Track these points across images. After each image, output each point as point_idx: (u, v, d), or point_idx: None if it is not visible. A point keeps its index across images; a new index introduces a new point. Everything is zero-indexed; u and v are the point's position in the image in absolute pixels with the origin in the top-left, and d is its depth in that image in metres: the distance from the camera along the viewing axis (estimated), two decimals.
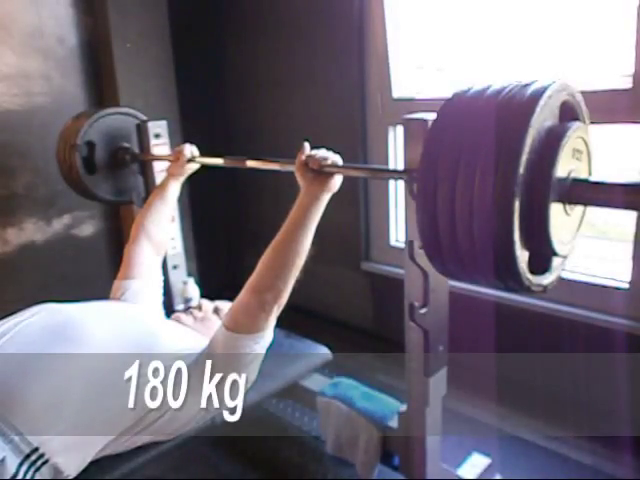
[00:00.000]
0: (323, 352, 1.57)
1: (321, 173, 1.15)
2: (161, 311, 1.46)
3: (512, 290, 0.79)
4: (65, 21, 2.24)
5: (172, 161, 1.59)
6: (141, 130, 1.88)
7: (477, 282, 0.81)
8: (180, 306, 1.81)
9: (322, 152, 1.18)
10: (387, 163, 2.20)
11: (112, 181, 1.86)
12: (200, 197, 2.62)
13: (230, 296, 1.29)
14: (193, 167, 1.60)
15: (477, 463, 1.39)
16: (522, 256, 0.72)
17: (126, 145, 1.85)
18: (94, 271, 2.42)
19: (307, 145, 1.19)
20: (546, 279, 0.83)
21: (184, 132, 2.49)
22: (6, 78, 2.11)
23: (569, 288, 1.75)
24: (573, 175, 0.77)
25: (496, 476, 1.41)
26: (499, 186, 0.67)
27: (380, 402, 1.45)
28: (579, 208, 0.83)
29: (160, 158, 1.79)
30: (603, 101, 1.55)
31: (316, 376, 1.62)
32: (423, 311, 1.07)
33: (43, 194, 2.27)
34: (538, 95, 0.70)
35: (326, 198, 1.18)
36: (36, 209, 2.27)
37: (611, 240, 2.18)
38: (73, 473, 1.04)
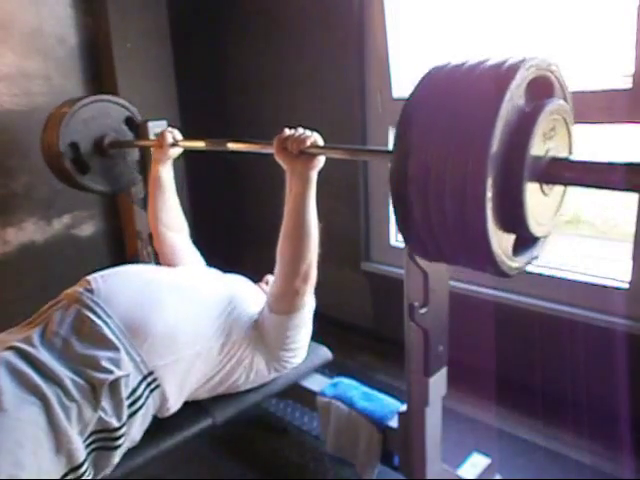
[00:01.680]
0: (323, 352, 1.57)
1: (302, 153, 1.15)
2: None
3: (488, 271, 0.77)
4: (65, 21, 2.24)
5: (155, 147, 1.61)
6: (140, 130, 1.88)
7: (456, 264, 0.79)
8: None
9: (300, 132, 1.17)
10: (387, 163, 2.19)
11: (105, 173, 1.86)
12: (200, 196, 2.62)
13: None
14: (177, 151, 1.63)
15: (477, 463, 1.39)
16: (496, 237, 0.70)
17: (108, 133, 1.83)
18: (94, 271, 2.41)
19: (286, 129, 1.19)
20: (521, 261, 0.80)
21: (184, 132, 2.49)
22: (6, 78, 2.11)
23: (569, 288, 1.75)
24: (550, 154, 0.74)
25: (496, 476, 1.41)
26: (471, 164, 0.65)
27: (380, 402, 1.45)
28: (558, 188, 0.80)
29: (144, 144, 1.79)
30: (603, 101, 1.55)
31: (316, 376, 1.62)
32: (423, 311, 1.07)
33: (43, 194, 2.27)
34: (512, 72, 0.68)
35: (313, 175, 1.18)
36: (36, 209, 2.27)
37: (611, 240, 2.18)
38: (173, 406, 1.19)
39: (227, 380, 1.27)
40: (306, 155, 1.15)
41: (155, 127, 1.89)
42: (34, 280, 2.27)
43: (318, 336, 1.58)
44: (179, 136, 1.62)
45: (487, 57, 0.73)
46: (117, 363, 1.06)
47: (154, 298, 1.20)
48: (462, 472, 1.35)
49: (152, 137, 1.84)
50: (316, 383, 1.59)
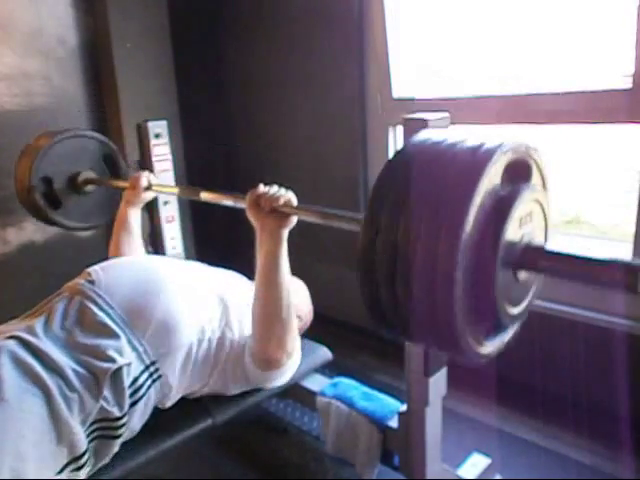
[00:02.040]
0: (323, 352, 1.57)
1: (274, 211, 1.11)
2: None
3: (456, 357, 0.75)
4: (65, 21, 2.24)
5: (128, 188, 1.58)
6: (141, 130, 1.87)
7: (423, 345, 0.77)
8: None
9: (274, 190, 1.14)
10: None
11: (78, 208, 1.79)
12: None
13: None
14: (149, 195, 1.60)
15: (477, 463, 1.39)
16: (465, 324, 0.67)
17: (83, 170, 1.77)
18: None
19: (261, 185, 1.16)
20: (490, 347, 0.77)
21: (184, 132, 2.49)
22: (6, 78, 2.11)
23: (569, 288, 1.75)
24: (525, 240, 0.72)
25: (496, 476, 1.41)
26: (442, 249, 0.62)
27: (380, 402, 1.45)
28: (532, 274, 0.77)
29: (117, 185, 1.71)
30: (603, 101, 1.55)
31: (316, 376, 1.62)
32: None
33: None
34: (488, 156, 0.65)
35: (284, 234, 1.15)
36: None
37: (611, 240, 2.18)
38: (174, 397, 1.20)
39: (221, 377, 1.26)
40: (278, 213, 1.12)
41: (155, 127, 1.89)
42: (34, 280, 2.27)
43: (318, 336, 1.58)
44: (154, 180, 1.59)
45: (465, 137, 0.70)
46: (119, 351, 1.07)
47: (154, 287, 1.20)
48: (462, 472, 1.35)
49: (152, 137, 1.84)
50: (316, 383, 1.59)
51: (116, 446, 1.08)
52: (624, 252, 1.69)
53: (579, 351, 1.67)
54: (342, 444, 1.49)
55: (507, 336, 0.80)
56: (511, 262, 0.70)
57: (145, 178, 1.56)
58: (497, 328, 0.77)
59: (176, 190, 1.52)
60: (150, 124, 1.91)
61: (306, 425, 1.80)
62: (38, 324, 1.07)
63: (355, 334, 2.41)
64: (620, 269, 0.67)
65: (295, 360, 1.28)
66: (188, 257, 2.50)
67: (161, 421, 1.19)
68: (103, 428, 1.04)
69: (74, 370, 1.01)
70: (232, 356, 1.24)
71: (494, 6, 1.81)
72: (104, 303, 1.13)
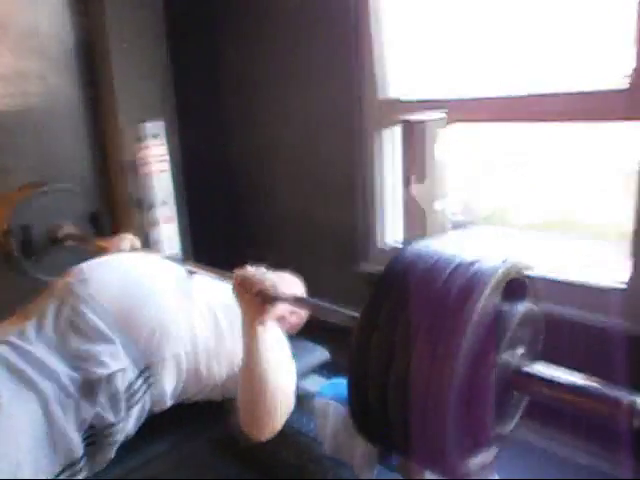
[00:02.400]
0: (320, 353, 1.57)
1: (259, 294, 1.08)
2: None
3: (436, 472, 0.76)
4: (61, 21, 2.23)
5: (112, 249, 1.51)
6: (138, 130, 1.87)
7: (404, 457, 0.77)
8: None
9: (261, 272, 1.12)
10: (384, 164, 2.20)
11: (50, 260, 1.75)
12: (199, 197, 2.61)
13: None
14: None
15: (477, 463, 1.39)
16: (454, 447, 0.67)
17: (64, 225, 1.75)
18: None
19: (248, 267, 1.13)
20: (477, 463, 0.77)
21: (181, 132, 2.48)
22: (2, 78, 2.10)
23: (567, 288, 1.75)
24: (518, 361, 0.73)
25: (496, 476, 1.41)
26: (437, 371, 0.63)
27: None
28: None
29: (99, 246, 1.63)
30: (601, 101, 1.55)
31: (314, 377, 1.62)
32: None
33: None
34: (486, 280, 0.65)
35: (259, 329, 1.11)
36: None
37: (608, 240, 2.18)
38: (169, 401, 1.18)
39: (215, 389, 1.25)
40: (261, 298, 1.08)
41: (152, 127, 1.88)
42: (34, 280, 2.26)
43: (315, 336, 1.58)
44: (138, 244, 1.57)
45: (463, 256, 0.70)
46: (114, 356, 1.06)
47: (146, 289, 1.18)
48: None
49: (150, 138, 1.83)
50: (314, 384, 1.59)
51: (112, 452, 1.07)
52: (619, 251, 1.69)
53: (577, 351, 1.67)
54: (340, 445, 1.49)
55: (490, 456, 0.80)
56: (504, 383, 0.70)
57: (128, 241, 1.52)
58: (483, 447, 0.76)
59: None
60: (147, 124, 1.90)
61: (304, 426, 1.79)
62: (30, 328, 1.05)
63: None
64: (615, 404, 0.68)
65: (276, 429, 1.22)
66: (186, 258, 2.49)
67: (160, 421, 1.19)
68: (99, 434, 1.03)
69: (69, 376, 1.00)
70: (225, 374, 1.22)
71: (492, 5, 1.81)
72: (97, 305, 1.11)
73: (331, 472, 1.59)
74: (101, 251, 1.56)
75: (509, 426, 0.79)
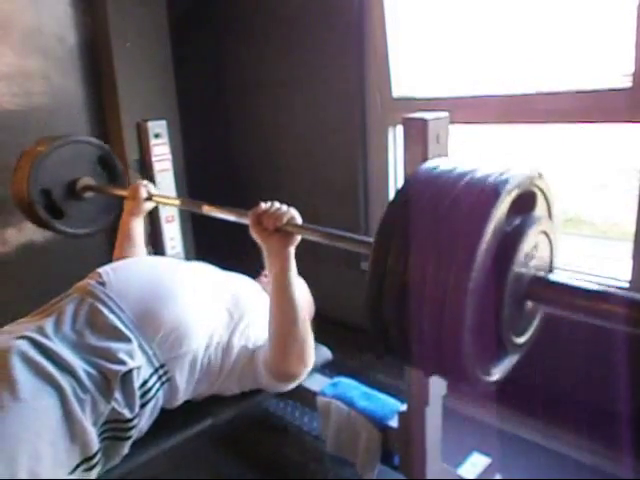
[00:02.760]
0: (323, 352, 1.57)
1: (278, 231, 1.10)
2: None
3: (458, 383, 0.76)
4: (64, 20, 2.24)
5: (128, 199, 1.57)
6: (140, 130, 1.87)
7: (431, 375, 0.78)
8: None
9: (275, 207, 1.13)
10: (387, 163, 2.20)
11: (80, 215, 1.79)
12: (200, 197, 2.62)
13: None
14: (150, 205, 1.59)
15: (477, 463, 1.39)
16: (473, 357, 0.68)
17: (80, 177, 1.77)
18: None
19: (262, 204, 1.15)
20: (499, 371, 0.78)
21: (183, 131, 2.49)
22: (5, 77, 2.10)
23: None
24: (532, 272, 0.73)
25: (496, 476, 1.41)
26: (453, 280, 0.63)
27: (380, 402, 1.45)
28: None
29: (116, 194, 1.70)
30: (603, 101, 1.55)
31: (316, 376, 1.62)
32: None
33: None
34: (498, 191, 0.65)
35: (291, 252, 1.14)
36: None
37: (611, 239, 2.18)
38: (182, 398, 1.19)
39: (228, 379, 1.26)
40: (281, 233, 1.10)
41: (155, 127, 1.89)
42: (33, 280, 2.27)
43: (318, 336, 1.58)
44: (153, 190, 1.59)
45: (473, 168, 0.70)
46: (130, 355, 1.07)
47: (165, 292, 1.20)
48: (462, 472, 1.35)
49: (152, 137, 1.84)
50: (316, 383, 1.59)
51: (126, 447, 1.09)
52: (624, 251, 1.69)
53: (579, 351, 1.67)
54: (342, 444, 1.49)
55: (511, 363, 0.81)
56: (517, 295, 0.71)
57: (144, 188, 1.55)
58: (502, 357, 0.78)
59: (177, 202, 1.50)
60: (150, 124, 1.91)
61: (306, 425, 1.80)
62: (48, 325, 1.07)
63: (355, 334, 2.41)
64: (625, 303, 0.68)
65: (310, 367, 1.27)
66: (188, 257, 2.50)
67: (161, 421, 1.19)
68: (114, 429, 1.05)
69: (86, 371, 1.01)
70: (240, 363, 1.24)
71: (494, 5, 1.81)
72: (115, 305, 1.13)
73: (332, 471, 1.59)
74: (120, 197, 1.63)
75: (526, 337, 0.80)
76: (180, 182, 2.46)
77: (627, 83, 1.50)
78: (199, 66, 2.68)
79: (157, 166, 1.92)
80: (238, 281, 1.47)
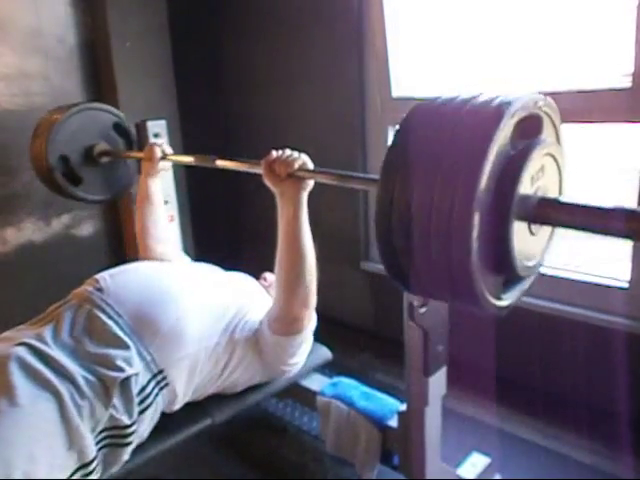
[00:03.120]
0: (323, 352, 1.57)
1: (290, 176, 1.13)
2: None
3: (474, 311, 0.76)
4: (64, 21, 2.24)
5: (144, 160, 1.60)
6: (140, 129, 1.87)
7: (440, 300, 0.79)
8: None
9: (287, 154, 1.15)
10: None
11: (98, 181, 1.83)
12: (200, 196, 2.62)
13: None
14: (166, 165, 1.62)
15: (477, 463, 1.39)
16: (482, 279, 0.68)
17: (97, 142, 1.79)
18: (93, 271, 2.39)
19: (273, 151, 1.17)
20: (510, 297, 0.78)
21: (183, 131, 2.49)
22: (5, 78, 2.10)
23: (569, 288, 1.75)
24: (539, 193, 0.73)
25: (496, 476, 1.41)
26: (457, 206, 0.64)
27: (380, 402, 1.45)
28: (547, 227, 0.79)
29: (132, 157, 1.77)
30: (603, 100, 1.55)
31: (316, 376, 1.62)
32: (423, 311, 1.06)
33: (42, 194, 2.26)
34: (501, 112, 0.66)
35: (304, 197, 1.17)
36: (35, 209, 2.26)
37: (610, 239, 2.18)
38: (180, 403, 1.19)
39: (230, 377, 1.26)
40: (294, 178, 1.13)
41: (154, 126, 1.89)
42: (33, 280, 2.27)
43: (318, 336, 1.58)
44: (168, 150, 1.61)
45: (474, 95, 0.71)
46: (128, 361, 1.07)
47: (163, 295, 1.20)
48: (462, 472, 1.35)
49: (151, 137, 1.84)
50: (316, 383, 1.59)
51: (126, 454, 1.08)
52: (623, 251, 1.69)
53: (579, 351, 1.67)
54: (342, 444, 1.49)
55: (523, 289, 0.81)
56: (525, 216, 0.71)
57: (159, 148, 1.58)
58: (513, 281, 0.78)
59: (190, 159, 1.53)
60: (149, 123, 1.90)
61: (306, 425, 1.79)
62: (47, 332, 1.07)
63: (355, 334, 2.41)
64: (632, 218, 0.67)
65: (311, 329, 1.30)
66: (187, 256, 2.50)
67: (161, 421, 1.19)
68: (113, 436, 1.05)
69: (84, 377, 1.01)
70: (243, 352, 1.24)
71: (494, 5, 1.81)
72: (112, 311, 1.13)
73: (332, 471, 1.59)
74: (136, 159, 1.68)
75: (536, 260, 0.79)
76: (179, 182, 2.46)
77: (627, 83, 1.50)
78: (199, 66, 2.68)
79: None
80: (239, 281, 1.47)
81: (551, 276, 1.79)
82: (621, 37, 1.51)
